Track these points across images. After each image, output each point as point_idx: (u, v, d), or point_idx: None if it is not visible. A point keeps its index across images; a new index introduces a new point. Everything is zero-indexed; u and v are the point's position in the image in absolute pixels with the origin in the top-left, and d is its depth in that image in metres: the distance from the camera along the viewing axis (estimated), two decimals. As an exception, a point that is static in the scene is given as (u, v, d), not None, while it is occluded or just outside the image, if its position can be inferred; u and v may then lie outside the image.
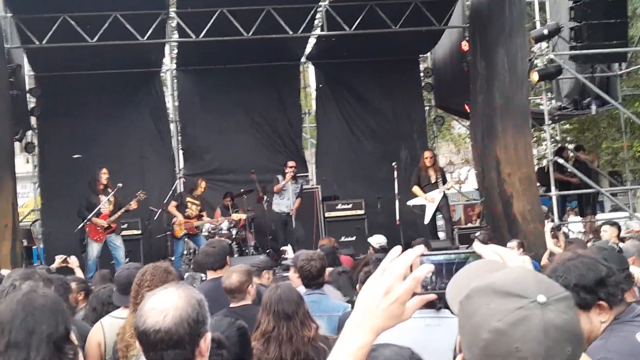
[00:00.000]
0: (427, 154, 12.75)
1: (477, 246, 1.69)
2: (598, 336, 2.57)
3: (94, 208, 11.55)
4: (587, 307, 2.54)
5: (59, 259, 8.95)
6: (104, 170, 11.74)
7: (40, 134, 14.60)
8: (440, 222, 15.09)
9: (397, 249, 1.63)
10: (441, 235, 13.41)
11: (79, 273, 8.30)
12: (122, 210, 11.69)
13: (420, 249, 1.61)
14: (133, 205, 11.74)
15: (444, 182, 12.56)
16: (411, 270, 1.56)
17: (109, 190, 11.71)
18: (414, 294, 1.55)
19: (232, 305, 4.76)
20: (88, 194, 11.77)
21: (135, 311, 4.02)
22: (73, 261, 8.66)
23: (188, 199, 12.42)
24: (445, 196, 12.56)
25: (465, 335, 1.39)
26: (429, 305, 1.60)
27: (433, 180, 12.51)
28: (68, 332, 2.39)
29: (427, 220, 12.59)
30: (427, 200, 12.47)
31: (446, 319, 3.41)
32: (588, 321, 2.54)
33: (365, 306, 1.56)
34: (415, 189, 12.57)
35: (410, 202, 12.77)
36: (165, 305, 2.10)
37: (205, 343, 2.14)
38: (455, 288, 1.53)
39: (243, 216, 12.59)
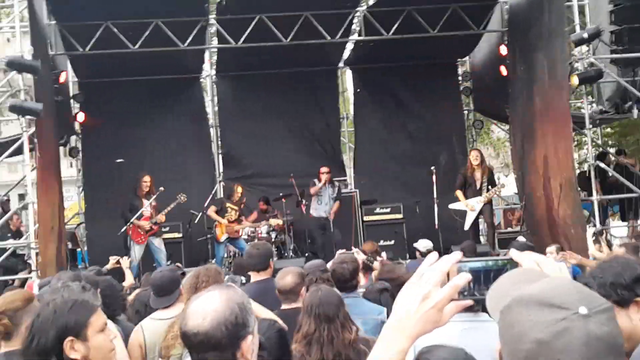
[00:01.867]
0: (473, 153, 12.57)
1: (513, 254, 1.71)
2: None
3: (136, 211, 11.83)
4: (626, 304, 2.52)
5: (112, 260, 9.15)
6: (145, 177, 12.07)
7: (83, 139, 14.86)
8: (482, 226, 15.06)
9: (434, 255, 1.65)
10: (482, 239, 13.32)
11: (129, 274, 8.47)
12: (167, 209, 11.97)
13: (457, 255, 1.62)
14: (161, 218, 12.10)
15: (492, 185, 12.33)
16: (448, 276, 1.58)
17: (152, 194, 12.01)
18: (451, 300, 1.57)
19: (283, 307, 4.77)
20: (132, 198, 12.06)
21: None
22: (124, 262, 8.85)
23: (227, 204, 12.59)
24: (489, 202, 12.39)
25: (507, 345, 1.40)
26: (467, 309, 1.62)
27: (478, 186, 12.28)
28: (47, 347, 2.52)
29: (466, 227, 12.44)
30: (468, 208, 12.34)
31: (484, 322, 3.42)
32: (628, 319, 2.51)
33: (402, 312, 1.58)
34: (458, 194, 12.41)
35: (452, 206, 12.64)
36: (206, 308, 2.15)
37: (247, 345, 2.16)
38: (496, 297, 1.54)
39: (280, 221, 12.69)
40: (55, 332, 2.52)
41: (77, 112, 14.29)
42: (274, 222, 12.64)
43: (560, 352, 1.31)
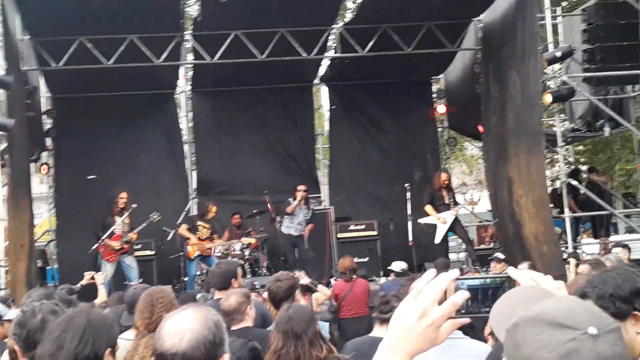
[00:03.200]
0: (444, 175, 12.77)
1: (511, 271, 1.70)
2: (639, 349, 2.55)
3: (107, 229, 11.71)
4: (623, 317, 2.51)
5: (87, 275, 9.05)
6: (122, 194, 12.02)
7: (55, 155, 14.70)
8: (452, 243, 15.09)
9: (432, 271, 1.63)
10: (462, 255, 13.42)
11: (102, 290, 8.37)
12: (139, 228, 11.92)
13: (455, 272, 1.61)
14: (133, 236, 12.02)
15: (455, 203, 12.54)
16: (445, 293, 1.57)
17: (126, 211, 11.96)
18: (449, 318, 1.56)
19: (232, 327, 4.73)
20: (105, 215, 11.97)
21: (143, 333, 4.06)
22: (98, 278, 8.75)
23: (199, 222, 12.51)
24: (456, 218, 12.52)
25: None
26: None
27: (447, 201, 12.50)
28: (97, 356, 2.55)
29: (437, 240, 12.54)
30: (439, 221, 12.43)
31: (460, 339, 3.42)
32: (624, 331, 2.53)
33: (399, 329, 1.56)
34: (428, 208, 12.55)
35: (422, 220, 12.78)
36: (182, 327, 2.11)
37: None
38: (500, 315, 1.53)
39: (253, 240, 12.64)
40: (106, 341, 2.67)
41: (49, 128, 14.09)
42: (246, 240, 12.59)
43: None
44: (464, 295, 1.56)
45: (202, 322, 2.13)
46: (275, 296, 5.21)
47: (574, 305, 1.39)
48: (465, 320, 1.59)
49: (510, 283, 1.66)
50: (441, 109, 15.62)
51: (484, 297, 1.62)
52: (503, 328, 1.43)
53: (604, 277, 2.66)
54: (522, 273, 1.68)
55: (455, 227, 12.54)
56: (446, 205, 12.50)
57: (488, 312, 1.61)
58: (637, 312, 2.52)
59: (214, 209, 12.76)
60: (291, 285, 5.32)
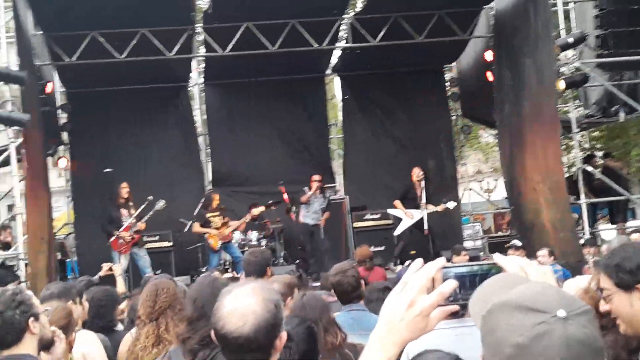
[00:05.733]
0: (416, 170, 12.72)
1: (497, 258, 1.72)
2: None
3: (116, 222, 11.84)
4: (627, 288, 2.52)
5: (105, 267, 9.12)
6: (124, 184, 12.15)
7: (71, 149, 14.82)
8: (469, 231, 15.07)
9: (419, 261, 1.64)
10: (478, 243, 13.44)
11: (121, 281, 8.44)
12: (146, 217, 11.99)
13: (441, 261, 1.62)
14: (141, 226, 12.05)
15: (427, 202, 12.55)
16: (433, 282, 1.58)
17: (131, 203, 12.04)
18: (437, 306, 1.57)
19: None
20: (110, 209, 12.09)
21: (145, 322, 4.09)
22: (116, 269, 8.81)
23: (208, 215, 12.54)
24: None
25: (488, 350, 1.40)
26: (453, 314, 1.63)
27: (418, 200, 12.59)
28: None
29: (396, 232, 12.75)
30: (406, 215, 12.53)
31: (473, 327, 3.42)
32: (628, 304, 2.52)
33: (388, 319, 1.58)
34: (397, 203, 12.69)
35: (390, 211, 12.97)
36: (244, 310, 2.11)
37: (281, 342, 2.18)
38: (478, 303, 1.55)
39: (262, 208, 12.66)
40: None
41: (65, 122, 14.18)
42: (256, 211, 12.62)
43: (540, 355, 1.31)
44: (451, 284, 1.58)
45: (263, 304, 2.13)
46: (347, 289, 4.84)
47: (544, 290, 1.41)
48: (454, 307, 1.61)
49: (497, 269, 1.68)
50: None
51: (471, 284, 1.64)
52: (480, 315, 1.45)
53: (618, 248, 2.68)
54: (508, 259, 1.70)
55: (420, 223, 12.53)
56: (417, 205, 12.56)
57: None
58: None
59: (216, 196, 12.82)
60: (358, 276, 5.12)
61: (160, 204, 12.10)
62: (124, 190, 12.11)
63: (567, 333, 1.32)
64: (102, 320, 5.04)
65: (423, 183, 12.66)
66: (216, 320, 2.14)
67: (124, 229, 11.83)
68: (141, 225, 12.04)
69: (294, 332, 3.11)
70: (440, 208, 12.49)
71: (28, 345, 3.14)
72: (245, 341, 2.09)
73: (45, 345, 3.30)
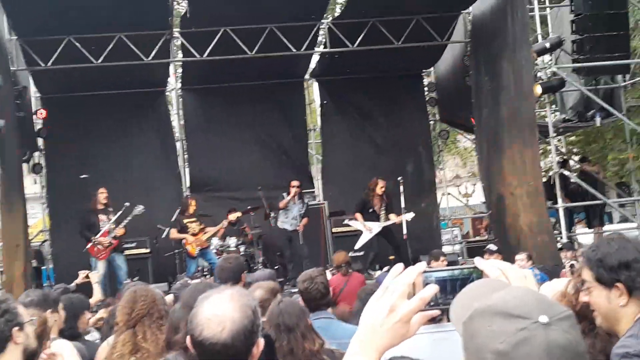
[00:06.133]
0: (381, 183, 12.51)
1: (478, 262, 1.70)
2: (620, 321, 2.56)
3: (94, 227, 11.76)
4: (607, 284, 2.54)
5: (82, 274, 9.02)
6: (102, 190, 12.08)
7: (47, 155, 14.67)
8: (447, 236, 15.07)
9: (399, 266, 1.63)
10: (457, 247, 13.33)
11: (97, 289, 8.35)
12: (124, 222, 11.93)
13: (422, 265, 1.61)
14: (120, 231, 11.97)
15: (387, 213, 12.36)
16: (414, 287, 1.57)
17: (109, 209, 11.96)
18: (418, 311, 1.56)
19: None
20: (88, 214, 12.03)
21: (122, 329, 4.04)
22: (92, 276, 8.72)
23: (185, 220, 12.47)
24: (388, 227, 12.37)
25: (469, 357, 1.39)
26: (431, 319, 1.61)
27: (378, 211, 12.40)
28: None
29: (357, 246, 12.52)
30: (365, 228, 12.40)
31: (451, 332, 3.41)
32: (607, 300, 2.54)
33: (369, 325, 1.56)
34: (358, 215, 12.49)
35: (349, 222, 12.82)
36: (222, 316, 2.09)
37: (258, 349, 2.16)
38: (458, 308, 1.53)
39: (239, 214, 12.60)
40: None
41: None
42: (233, 216, 12.56)
43: None
44: (432, 289, 1.56)
45: (241, 310, 2.12)
46: (316, 295, 4.83)
47: (525, 295, 1.39)
48: (435, 312, 1.59)
49: (478, 274, 1.66)
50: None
51: (452, 288, 1.63)
52: (461, 321, 1.43)
53: (602, 243, 2.68)
54: (488, 263, 1.68)
55: (386, 235, 12.43)
56: (376, 216, 12.41)
57: None
58: (619, 285, 2.53)
59: (193, 202, 12.74)
60: (326, 282, 5.06)
61: (139, 209, 12.01)
62: (102, 195, 12.03)
63: (549, 339, 1.30)
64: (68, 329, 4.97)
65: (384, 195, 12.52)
66: (194, 327, 2.11)
67: (101, 235, 11.76)
68: (120, 230, 11.95)
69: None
70: (397, 220, 12.24)
71: (11, 355, 3.07)
72: (222, 347, 2.07)
73: (29, 356, 3.24)
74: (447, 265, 9.14)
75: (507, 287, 1.52)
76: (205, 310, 2.12)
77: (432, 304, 1.59)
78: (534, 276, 1.74)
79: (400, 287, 1.56)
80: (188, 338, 2.15)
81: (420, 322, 1.56)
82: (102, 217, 11.94)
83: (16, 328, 3.07)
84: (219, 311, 2.10)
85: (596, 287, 2.55)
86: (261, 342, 2.18)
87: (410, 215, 12.28)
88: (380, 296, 1.58)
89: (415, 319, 1.55)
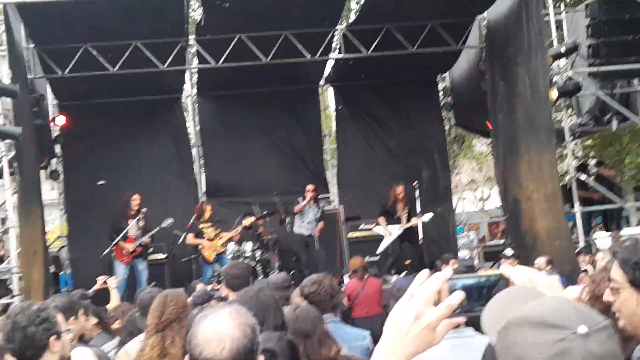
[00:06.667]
0: (399, 189, 12.59)
1: (504, 269, 1.69)
2: None
3: (121, 232, 11.89)
4: None
5: (100, 280, 9.05)
6: (135, 196, 12.19)
7: (64, 161, 14.77)
8: (463, 240, 15.02)
9: (425, 272, 1.61)
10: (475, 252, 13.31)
11: (115, 295, 8.38)
12: (152, 232, 12.12)
13: (448, 272, 1.60)
14: (146, 241, 12.20)
15: (409, 217, 12.41)
16: (439, 294, 1.55)
17: (141, 215, 12.15)
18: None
19: None
20: (119, 219, 12.17)
21: (151, 333, 4.06)
22: (110, 282, 8.74)
23: (201, 226, 12.53)
24: (411, 228, 12.45)
25: None
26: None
27: (399, 215, 12.47)
28: None
29: (379, 250, 12.59)
30: (387, 232, 12.47)
31: (471, 337, 3.41)
32: (635, 302, 2.47)
33: (394, 333, 1.55)
34: (380, 219, 12.59)
35: (375, 228, 12.89)
36: (221, 334, 2.07)
37: None
38: (491, 317, 1.52)
39: (252, 219, 12.65)
40: None
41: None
42: (247, 222, 12.60)
43: None
44: (459, 296, 1.55)
45: (240, 328, 2.10)
46: (322, 299, 4.82)
47: (563, 305, 1.38)
48: (461, 319, 1.58)
49: (504, 281, 1.66)
50: None
51: (478, 295, 1.62)
52: (494, 330, 1.42)
53: (635, 244, 2.62)
54: (515, 270, 1.67)
55: (409, 238, 12.50)
56: (396, 220, 12.47)
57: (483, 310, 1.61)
58: None
59: (208, 207, 12.81)
60: (334, 285, 5.06)
61: (168, 222, 12.17)
62: (135, 202, 12.16)
63: (588, 350, 1.29)
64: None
65: (405, 200, 12.58)
66: (193, 347, 2.09)
67: (128, 240, 11.89)
68: (146, 240, 12.12)
69: (276, 348, 3.10)
70: (413, 222, 12.35)
71: None
72: None
73: None
74: (460, 269, 9.13)
75: (540, 296, 1.51)
76: (204, 330, 2.10)
77: (457, 311, 1.57)
78: (560, 282, 1.73)
79: (427, 293, 1.55)
80: (187, 358, 2.13)
81: (446, 329, 1.54)
82: (131, 222, 12.05)
83: (53, 337, 3.12)
84: (218, 330, 2.09)
85: (627, 289, 2.48)
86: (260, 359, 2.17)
87: (429, 216, 12.29)
88: (406, 303, 1.57)
89: (441, 326, 1.53)
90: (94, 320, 5.74)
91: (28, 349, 3.08)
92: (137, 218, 12.06)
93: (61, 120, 13.98)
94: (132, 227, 12.03)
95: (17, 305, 3.32)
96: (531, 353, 1.31)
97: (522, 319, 1.36)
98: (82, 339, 5.05)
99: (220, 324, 2.10)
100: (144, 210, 12.12)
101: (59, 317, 3.25)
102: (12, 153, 10.72)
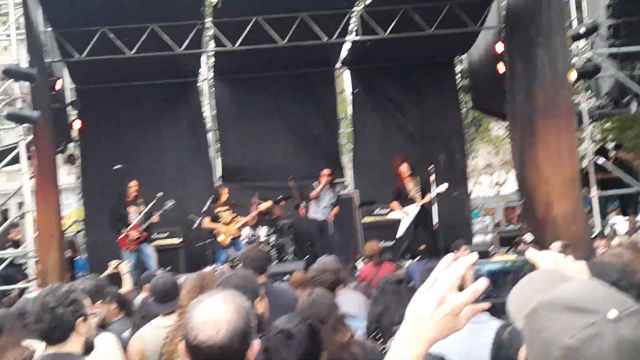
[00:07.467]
0: (402, 166, 12.51)
1: (530, 253, 1.66)
2: None
3: (125, 219, 12.05)
4: None
5: (112, 264, 9.09)
6: (132, 183, 12.34)
7: (81, 146, 14.83)
8: (478, 225, 14.94)
9: (449, 257, 1.60)
10: (488, 237, 13.22)
11: (127, 279, 8.40)
12: (147, 223, 12.21)
13: (473, 257, 1.58)
14: (155, 219, 12.27)
15: (424, 194, 12.30)
16: (463, 279, 1.53)
17: (140, 200, 12.27)
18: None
19: None
20: (118, 206, 12.32)
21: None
22: (122, 267, 8.76)
23: (217, 210, 12.54)
24: (424, 208, 12.32)
25: (534, 351, 1.35)
26: None
27: (410, 195, 12.36)
28: None
29: (399, 234, 12.45)
30: (403, 214, 12.36)
31: (486, 323, 3.40)
32: None
33: (417, 318, 1.53)
34: (394, 204, 12.48)
35: (389, 215, 12.78)
36: (217, 318, 2.08)
37: (253, 351, 2.15)
38: (518, 301, 1.49)
39: (269, 204, 12.66)
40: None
41: (74, 120, 14.24)
42: (264, 206, 12.60)
43: (592, 358, 1.26)
44: (484, 283, 1.53)
45: (236, 311, 2.11)
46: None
47: (593, 289, 1.35)
48: (485, 305, 1.56)
49: (530, 266, 1.62)
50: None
51: (503, 281, 1.59)
52: (521, 315, 1.40)
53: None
54: (541, 255, 1.64)
55: (422, 218, 12.36)
56: (411, 199, 12.34)
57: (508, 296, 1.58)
58: None
59: (225, 190, 12.86)
60: (339, 275, 5.03)
61: (169, 204, 12.17)
62: (132, 189, 12.30)
63: (619, 335, 1.26)
64: None
65: (413, 176, 12.50)
66: (188, 332, 2.10)
67: (132, 227, 11.93)
68: (155, 218, 12.19)
69: (295, 331, 3.08)
70: (428, 198, 12.21)
71: (73, 344, 3.17)
72: (219, 350, 2.06)
73: (89, 347, 3.31)
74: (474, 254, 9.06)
75: (568, 280, 1.48)
76: (200, 314, 2.11)
77: (482, 296, 1.55)
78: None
79: (451, 279, 1.52)
80: (182, 343, 2.13)
81: (470, 315, 1.52)
82: (132, 208, 12.17)
83: (81, 319, 3.16)
84: (214, 314, 2.09)
85: None
86: (256, 344, 2.17)
87: (444, 186, 12.21)
88: (429, 287, 1.55)
89: (464, 312, 1.52)
90: (113, 305, 5.76)
91: (56, 329, 3.13)
92: (135, 205, 12.19)
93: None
94: (133, 213, 12.09)
95: (47, 287, 3.37)
96: (561, 337, 1.28)
97: (551, 302, 1.33)
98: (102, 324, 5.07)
99: (215, 308, 2.11)
100: (160, 193, 12.19)
101: (86, 300, 3.29)
102: (30, 137, 10.76)
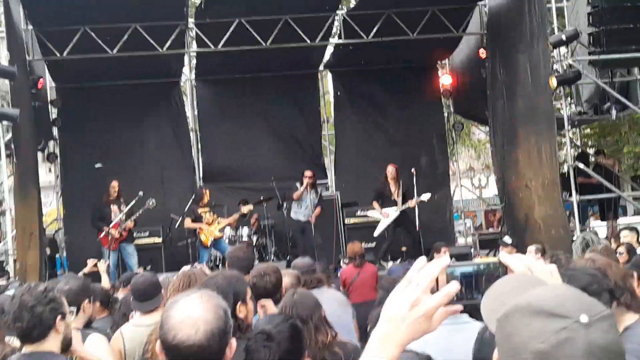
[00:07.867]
0: (389, 168, 12.60)
1: (503, 257, 1.67)
2: None
3: (106, 218, 12.00)
4: None
5: (90, 262, 9.07)
6: (113, 183, 12.36)
7: (62, 144, 14.74)
8: (460, 227, 15.02)
9: (422, 259, 1.60)
10: (469, 240, 13.28)
11: (105, 278, 8.38)
12: (135, 216, 12.16)
13: (446, 259, 1.58)
14: (129, 224, 12.24)
15: (405, 199, 12.39)
16: (437, 281, 1.54)
17: (121, 200, 12.20)
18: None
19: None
20: (100, 206, 12.31)
21: None
22: (100, 265, 8.75)
23: (199, 210, 12.51)
24: (405, 212, 12.41)
25: (505, 355, 1.35)
26: None
27: (394, 197, 12.47)
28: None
29: (376, 233, 12.62)
30: (383, 215, 12.46)
31: (466, 324, 3.42)
32: None
33: (390, 319, 1.53)
34: (374, 204, 12.62)
35: (366, 212, 12.90)
36: (194, 318, 2.07)
37: (231, 351, 2.15)
38: (490, 304, 1.50)
39: (251, 206, 12.66)
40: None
41: (55, 117, 14.15)
42: (245, 209, 12.59)
43: None
44: (456, 286, 1.53)
45: (213, 310, 2.11)
46: (262, 292, 4.49)
47: (565, 294, 1.36)
48: (458, 307, 1.57)
49: (503, 268, 1.64)
50: (446, 79, 15.46)
51: (477, 283, 1.61)
52: (494, 318, 1.40)
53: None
54: (513, 258, 1.66)
55: (404, 223, 12.47)
56: (392, 202, 12.47)
57: (481, 298, 1.59)
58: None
59: (207, 192, 12.81)
60: (279, 279, 4.95)
61: (150, 203, 12.12)
62: (112, 189, 12.31)
63: (590, 339, 1.27)
64: None
65: (398, 179, 12.59)
66: (166, 332, 2.08)
67: (113, 226, 11.88)
68: (130, 224, 12.11)
69: (275, 332, 3.08)
70: (412, 203, 12.29)
71: (52, 342, 3.17)
72: (198, 349, 2.05)
73: (66, 345, 3.30)
74: (453, 257, 9.13)
75: (540, 284, 1.49)
76: (177, 314, 2.09)
77: (455, 298, 1.56)
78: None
79: (424, 281, 1.53)
80: (158, 344, 2.11)
81: (442, 317, 1.53)
82: (114, 207, 12.15)
83: (59, 317, 3.16)
84: (191, 313, 2.08)
85: None
86: (233, 343, 2.17)
87: (427, 196, 12.27)
88: (402, 289, 1.55)
89: (437, 314, 1.52)
90: (97, 303, 5.75)
91: (35, 328, 3.12)
92: (116, 204, 12.18)
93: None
94: (114, 212, 12.10)
95: (23, 286, 3.36)
96: (532, 342, 1.29)
97: (522, 306, 1.34)
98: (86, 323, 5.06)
99: (192, 308, 2.10)
100: (140, 193, 12.14)
101: (63, 297, 3.28)
102: (10, 135, 10.69)
